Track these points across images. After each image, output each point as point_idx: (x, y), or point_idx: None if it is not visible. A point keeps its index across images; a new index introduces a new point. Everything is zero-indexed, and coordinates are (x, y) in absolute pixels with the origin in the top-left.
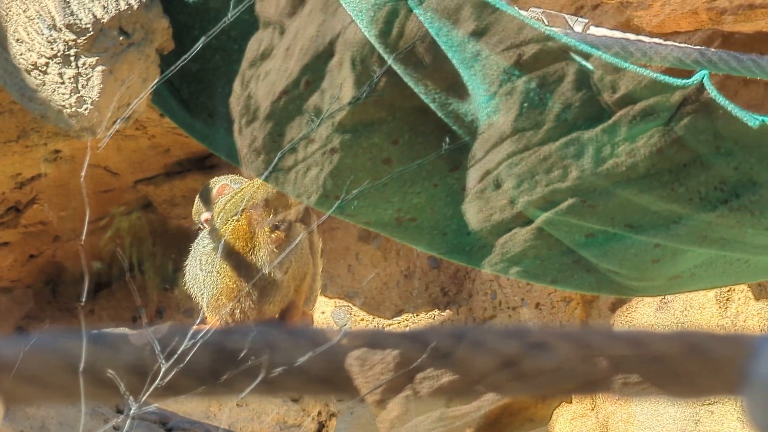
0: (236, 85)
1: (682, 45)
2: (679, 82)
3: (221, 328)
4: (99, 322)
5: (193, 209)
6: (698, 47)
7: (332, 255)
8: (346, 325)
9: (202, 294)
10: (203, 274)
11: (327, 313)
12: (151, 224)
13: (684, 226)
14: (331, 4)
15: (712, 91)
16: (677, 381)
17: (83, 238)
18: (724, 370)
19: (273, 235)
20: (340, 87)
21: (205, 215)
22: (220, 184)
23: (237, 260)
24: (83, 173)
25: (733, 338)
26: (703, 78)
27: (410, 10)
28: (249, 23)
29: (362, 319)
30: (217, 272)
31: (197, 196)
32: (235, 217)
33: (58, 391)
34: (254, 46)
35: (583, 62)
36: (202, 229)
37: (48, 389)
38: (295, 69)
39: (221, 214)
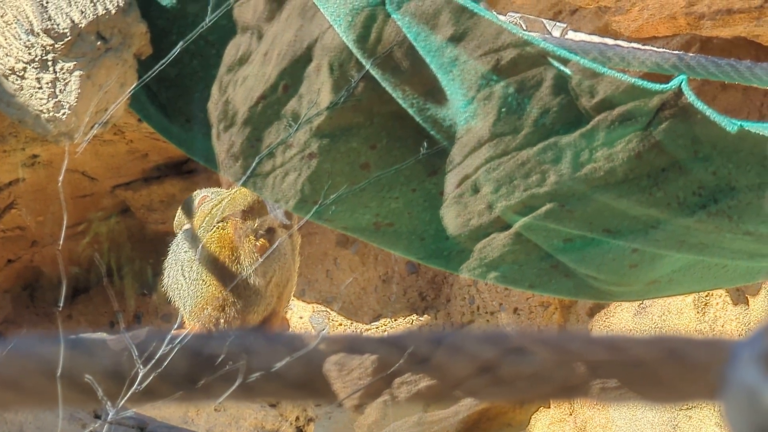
0: (214, 90)
1: (661, 50)
2: (657, 87)
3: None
4: (77, 326)
5: (175, 221)
6: (677, 52)
7: (310, 260)
8: (324, 329)
9: (184, 301)
10: (186, 281)
11: (305, 317)
12: (128, 229)
13: (662, 231)
14: (309, 9)
15: (690, 96)
16: (656, 386)
17: (61, 243)
18: (702, 375)
19: (258, 243)
20: (317, 92)
21: (187, 226)
22: (201, 196)
23: (221, 269)
24: (61, 178)
25: (711, 343)
26: (681, 83)
27: (388, 15)
28: (227, 28)
29: (340, 324)
30: (202, 280)
31: (179, 207)
32: (219, 225)
33: (35, 396)
34: (232, 51)
35: (561, 67)
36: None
37: (26, 394)
38: (273, 74)
39: (204, 221)
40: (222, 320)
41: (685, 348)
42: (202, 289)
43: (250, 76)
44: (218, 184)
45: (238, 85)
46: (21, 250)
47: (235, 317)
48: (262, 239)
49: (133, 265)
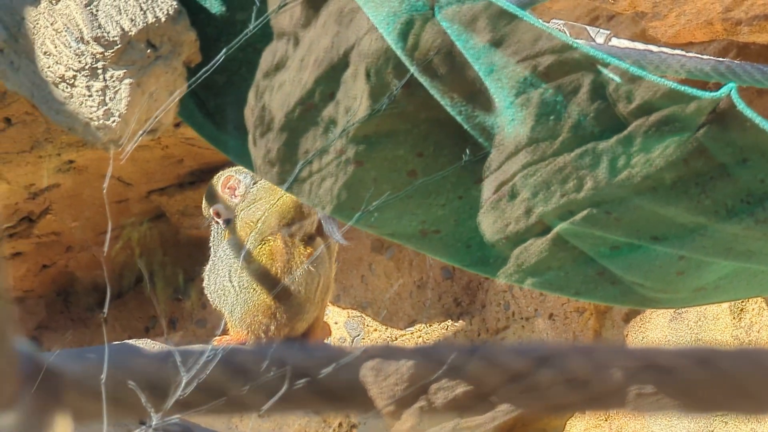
0: (250, 96)
1: (706, 57)
2: (706, 94)
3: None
4: (111, 332)
5: (202, 205)
6: (723, 59)
7: (345, 265)
8: (359, 335)
9: (232, 308)
10: (235, 288)
11: (340, 323)
12: (162, 235)
13: (710, 238)
14: (346, 16)
15: (740, 104)
16: (690, 396)
17: (106, 249)
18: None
19: (306, 252)
20: (355, 98)
21: (214, 208)
22: (225, 175)
23: (273, 280)
24: (105, 185)
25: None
26: (731, 90)
27: (436, 22)
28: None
29: (375, 330)
30: (253, 289)
31: (205, 193)
32: (269, 238)
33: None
34: (268, 57)
35: (605, 71)
36: (213, 224)
37: (117, 405)
38: (310, 80)
39: (252, 234)
40: (272, 327)
41: (715, 358)
42: (252, 297)
43: (286, 82)
44: None
45: (275, 91)
46: (56, 255)
47: (285, 325)
48: (309, 248)
49: (166, 270)
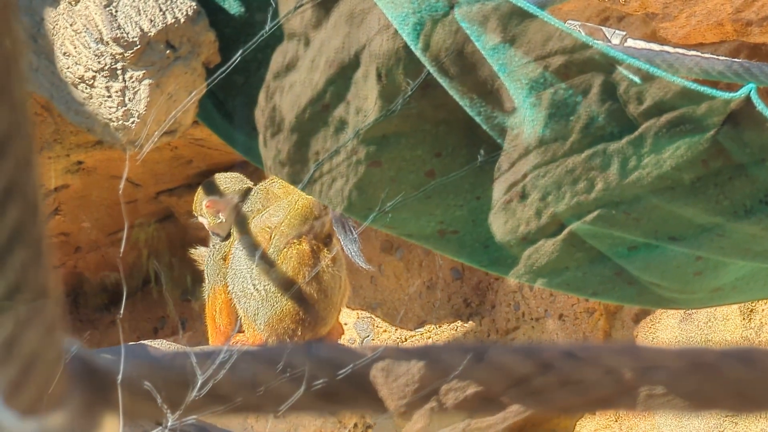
0: (261, 97)
1: (721, 57)
2: (721, 93)
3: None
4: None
5: (193, 207)
6: (737, 59)
7: (355, 266)
8: (368, 336)
9: (255, 311)
10: (260, 293)
11: (350, 324)
12: (169, 236)
13: (728, 238)
14: (356, 16)
15: (759, 104)
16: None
17: (122, 250)
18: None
19: (329, 253)
20: (365, 99)
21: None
22: (208, 199)
23: (299, 282)
24: (122, 185)
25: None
26: (750, 91)
27: (455, 22)
28: None
29: (385, 331)
30: (280, 294)
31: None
32: (294, 241)
33: (168, 405)
34: (279, 58)
35: (627, 73)
36: (199, 221)
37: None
38: (321, 81)
39: (275, 238)
40: (299, 332)
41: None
42: (281, 301)
43: (297, 83)
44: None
45: (286, 92)
46: (65, 256)
47: (310, 328)
48: (327, 249)
49: (174, 271)
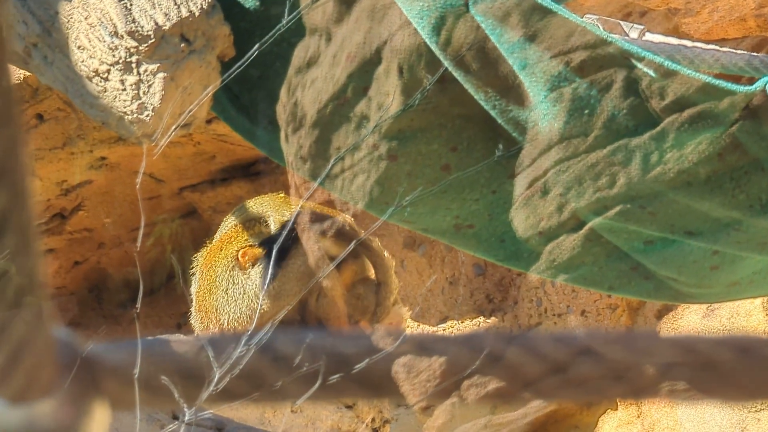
0: (282, 93)
1: (740, 51)
2: (740, 88)
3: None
4: (143, 329)
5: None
6: (757, 54)
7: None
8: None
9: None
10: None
11: None
12: (193, 231)
13: (744, 233)
14: (378, 11)
15: None
16: (726, 385)
17: (138, 244)
18: None
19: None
20: (387, 94)
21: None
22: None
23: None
24: (139, 179)
25: None
26: (766, 84)
27: (471, 17)
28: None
29: (407, 326)
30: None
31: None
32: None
33: (163, 396)
34: (301, 53)
35: (645, 68)
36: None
37: (154, 395)
38: (342, 76)
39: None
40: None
41: (757, 346)
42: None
43: (318, 79)
44: (285, 186)
45: (307, 88)
46: (88, 251)
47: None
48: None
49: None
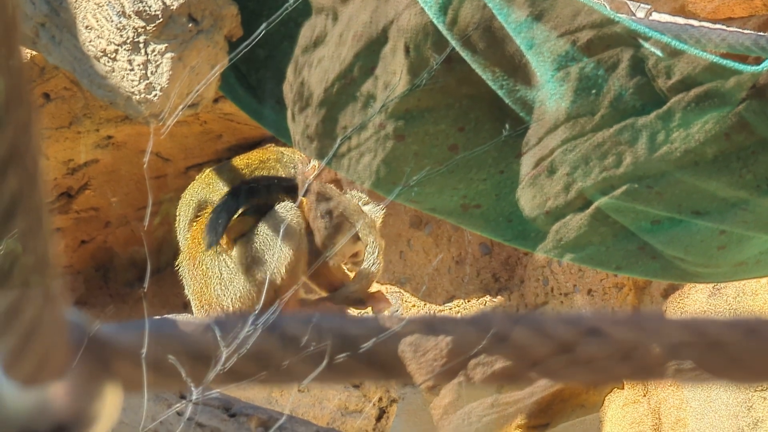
0: (289, 72)
1: (747, 31)
2: (747, 67)
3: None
4: (150, 308)
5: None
6: (764, 33)
7: (384, 241)
8: (397, 311)
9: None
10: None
11: None
12: None
13: (751, 212)
14: None
15: None
16: (733, 366)
17: (146, 223)
18: None
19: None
20: (394, 73)
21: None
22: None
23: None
24: (146, 158)
25: None
26: None
27: None
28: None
29: (413, 306)
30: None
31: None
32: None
33: (172, 376)
34: (307, 32)
35: (651, 48)
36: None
37: (163, 374)
38: (349, 55)
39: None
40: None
41: (764, 328)
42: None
43: (325, 58)
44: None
45: (314, 67)
46: (94, 230)
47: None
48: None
49: None
